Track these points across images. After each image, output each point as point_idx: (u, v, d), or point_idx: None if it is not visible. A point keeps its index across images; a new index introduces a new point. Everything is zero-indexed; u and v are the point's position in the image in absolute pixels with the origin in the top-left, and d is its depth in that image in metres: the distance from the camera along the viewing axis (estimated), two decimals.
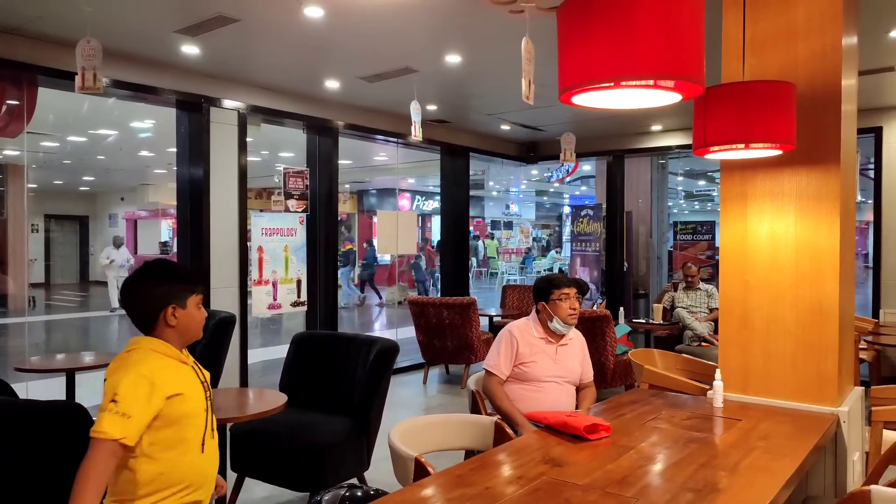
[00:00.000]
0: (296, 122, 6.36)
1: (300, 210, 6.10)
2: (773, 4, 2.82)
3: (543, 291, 3.12)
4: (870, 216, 7.03)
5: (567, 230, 18.46)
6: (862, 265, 14.79)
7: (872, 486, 1.74)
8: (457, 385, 6.82)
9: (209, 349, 4.75)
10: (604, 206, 9.04)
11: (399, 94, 5.98)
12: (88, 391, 4.56)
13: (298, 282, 6.08)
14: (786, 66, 2.79)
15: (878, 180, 6.75)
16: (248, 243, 5.80)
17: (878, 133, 6.69)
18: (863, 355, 5.57)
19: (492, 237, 23.15)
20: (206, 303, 2.09)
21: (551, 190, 21.64)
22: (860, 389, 2.97)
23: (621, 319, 6.51)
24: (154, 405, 1.81)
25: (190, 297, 1.97)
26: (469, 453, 2.70)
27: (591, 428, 2.30)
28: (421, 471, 2.08)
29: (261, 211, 6.29)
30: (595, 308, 6.98)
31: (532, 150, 9.14)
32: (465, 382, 6.69)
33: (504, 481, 1.94)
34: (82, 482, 1.72)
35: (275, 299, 5.89)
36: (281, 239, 5.96)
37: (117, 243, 13.80)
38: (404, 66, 5.23)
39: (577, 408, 3.19)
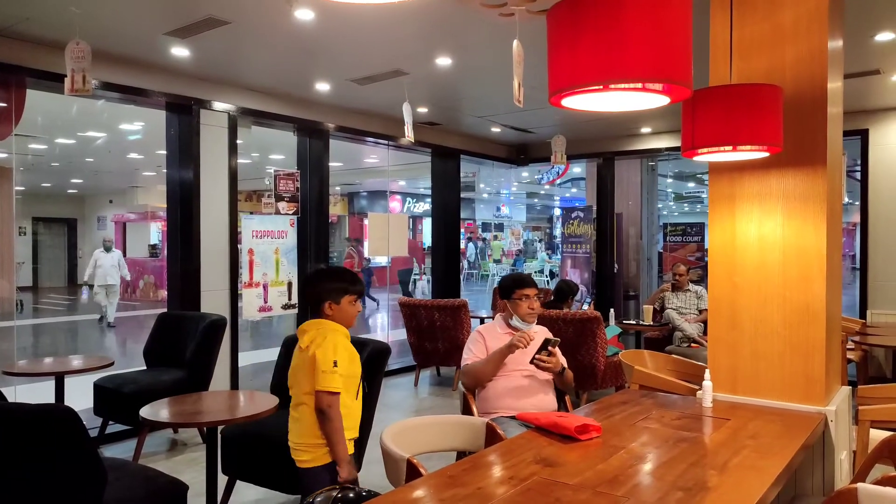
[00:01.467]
0: (286, 124, 6.35)
1: (291, 212, 6.09)
2: (759, 8, 2.85)
3: (507, 290, 3.33)
4: (857, 218, 7.10)
5: (558, 232, 18.56)
6: (849, 266, 14.92)
7: (859, 484, 1.76)
8: (448, 387, 6.82)
9: (200, 352, 4.74)
10: (594, 207, 9.09)
11: (390, 97, 5.99)
12: (77, 394, 4.54)
13: (289, 284, 6.06)
14: (773, 69, 2.82)
15: (864, 182, 6.82)
16: (239, 245, 5.79)
17: (864, 135, 6.77)
18: (850, 355, 5.62)
19: (496, 238, 23.32)
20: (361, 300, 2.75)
21: (542, 192, 21.72)
22: (847, 389, 3.00)
23: (612, 321, 6.54)
24: (354, 367, 2.63)
25: (344, 296, 2.64)
26: (461, 454, 2.71)
27: (581, 428, 2.31)
28: (413, 472, 2.09)
29: (251, 213, 6.28)
30: (585, 309, 7.01)
31: (522, 152, 9.17)
32: (456, 384, 6.69)
33: (496, 481, 1.95)
34: (336, 426, 2.52)
35: (265, 302, 5.88)
36: (271, 241, 5.95)
37: (107, 246, 11.91)
38: (395, 69, 5.24)
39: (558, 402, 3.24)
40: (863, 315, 6.73)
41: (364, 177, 16.08)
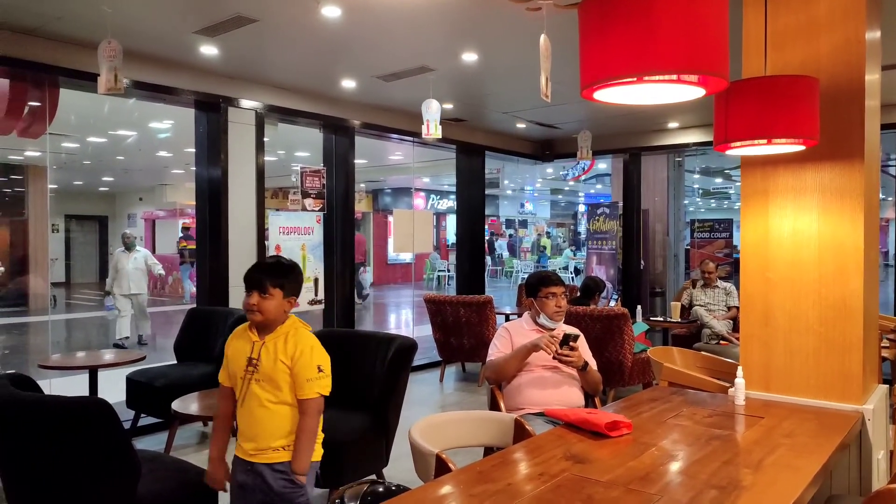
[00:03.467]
0: (312, 121, 6.40)
1: (317, 209, 6.13)
2: None
3: (533, 288, 3.31)
4: (891, 214, 6.94)
5: (582, 228, 18.48)
6: (882, 263, 14.59)
7: None
8: (473, 383, 6.82)
9: None
10: (620, 204, 9.00)
11: (415, 93, 5.99)
12: (110, 387, 4.63)
13: (316, 280, 6.11)
14: (808, 61, 2.76)
15: None
16: (266, 242, 5.84)
17: None
18: (885, 353, 5.49)
19: (548, 235, 23.41)
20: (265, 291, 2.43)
21: (566, 188, 21.57)
22: (884, 387, 2.93)
23: (639, 318, 6.47)
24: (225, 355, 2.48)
25: None
26: (488, 450, 2.70)
27: (612, 425, 2.29)
28: (442, 467, 2.08)
29: (278, 210, 6.33)
30: (612, 306, 6.95)
31: (548, 148, 9.12)
32: (481, 380, 6.68)
33: (525, 478, 1.94)
34: None
35: None
36: (298, 238, 5.99)
37: (128, 243, 8.94)
38: (421, 65, 5.24)
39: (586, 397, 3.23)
40: None
41: (389, 174, 16.13)
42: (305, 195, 6.06)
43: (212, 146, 5.55)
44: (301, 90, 6.06)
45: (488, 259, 18.35)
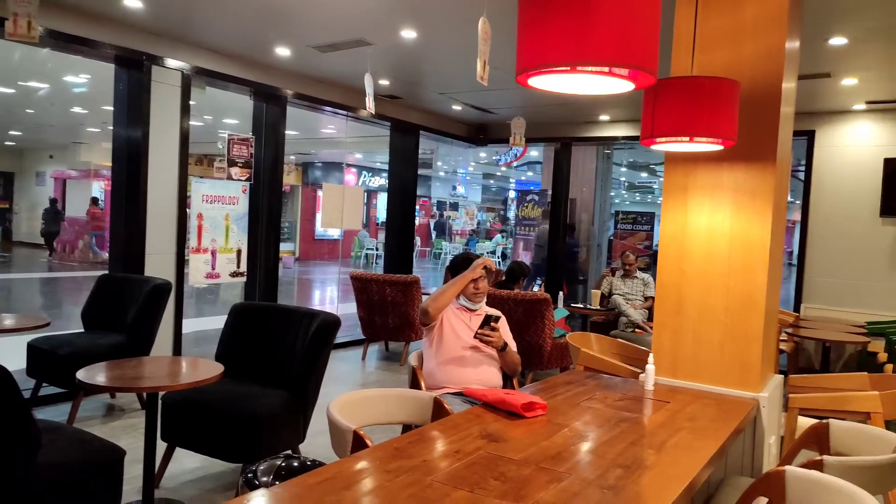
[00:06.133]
0: (243, 87, 6.17)
1: (243, 178, 5.94)
2: (724, 3, 2.90)
3: (456, 269, 3.41)
4: (797, 216, 7.38)
5: (511, 214, 18.76)
6: (786, 262, 15.54)
7: (787, 467, 1.85)
8: (395, 362, 6.84)
9: (142, 316, 4.62)
10: (549, 192, 9.17)
11: (351, 67, 5.88)
12: (10, 354, 4.37)
13: (238, 252, 5.94)
14: (732, 65, 2.88)
15: (807, 182, 7.08)
16: (188, 210, 5.62)
17: (810, 137, 7.01)
18: (783, 346, 5.88)
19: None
20: None
21: (498, 174, 21.83)
22: (780, 377, 3.14)
23: (560, 303, 6.65)
24: None
25: None
26: (407, 428, 2.72)
27: (527, 406, 2.35)
28: (359, 443, 2.08)
29: (202, 177, 6.09)
30: (535, 291, 7.11)
31: (482, 132, 9.17)
32: (404, 359, 6.71)
33: (441, 455, 1.97)
34: None
35: (213, 268, 5.75)
36: (222, 207, 5.80)
37: None
38: (359, 38, 5.14)
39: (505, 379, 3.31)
40: (797, 309, 7.03)
41: (320, 147, 15.82)
42: (232, 164, 5.86)
43: (133, 105, 5.27)
44: (232, 54, 5.83)
45: (418, 240, 18.34)
